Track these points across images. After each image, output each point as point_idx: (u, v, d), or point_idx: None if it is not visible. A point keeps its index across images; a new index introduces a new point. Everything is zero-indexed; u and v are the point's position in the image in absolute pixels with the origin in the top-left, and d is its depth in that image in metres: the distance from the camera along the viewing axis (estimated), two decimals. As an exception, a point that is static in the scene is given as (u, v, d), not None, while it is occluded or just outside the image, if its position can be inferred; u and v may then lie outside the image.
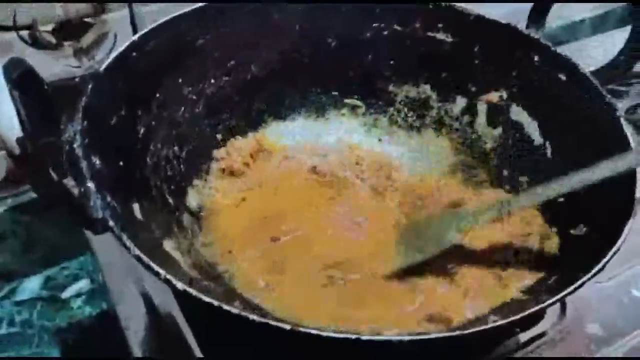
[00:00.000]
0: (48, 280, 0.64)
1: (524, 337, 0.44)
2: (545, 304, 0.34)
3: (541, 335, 0.45)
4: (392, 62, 0.56)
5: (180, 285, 0.30)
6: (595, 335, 0.46)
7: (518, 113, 0.51)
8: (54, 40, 0.57)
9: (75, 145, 0.36)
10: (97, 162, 0.37)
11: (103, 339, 0.57)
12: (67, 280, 0.64)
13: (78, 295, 0.63)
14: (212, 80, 0.52)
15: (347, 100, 0.58)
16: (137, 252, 0.31)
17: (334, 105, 0.58)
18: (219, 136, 0.54)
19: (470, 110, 0.54)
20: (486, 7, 0.53)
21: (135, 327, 0.44)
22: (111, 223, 0.33)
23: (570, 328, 0.46)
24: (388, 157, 0.57)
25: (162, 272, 0.31)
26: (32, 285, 0.63)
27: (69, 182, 0.34)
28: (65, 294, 0.63)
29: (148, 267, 0.31)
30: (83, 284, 0.64)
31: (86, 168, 0.35)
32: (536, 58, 0.49)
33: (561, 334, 0.45)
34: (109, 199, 0.35)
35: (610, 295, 0.49)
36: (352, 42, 0.55)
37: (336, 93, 0.57)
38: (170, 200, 0.46)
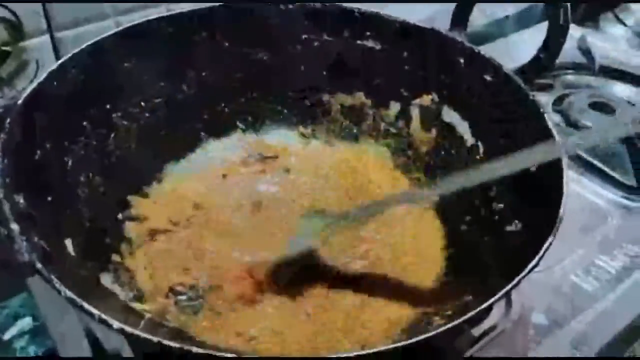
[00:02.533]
0: (-13, 322, 0.61)
1: (476, 331, 0.45)
2: (489, 302, 0.34)
3: (492, 328, 0.46)
4: (325, 73, 0.56)
5: (116, 325, 0.29)
6: (540, 325, 0.48)
7: (450, 115, 0.52)
8: (-30, 72, 0.54)
9: (-5, 187, 0.34)
10: (22, 201, 0.35)
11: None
12: (8, 320, 0.61)
13: (21, 335, 0.60)
14: (143, 104, 0.51)
15: (283, 113, 0.58)
16: (69, 293, 0.30)
17: (271, 118, 0.57)
18: (155, 159, 0.52)
19: (405, 114, 0.55)
20: (411, 9, 0.54)
21: (80, 367, 0.43)
22: (39, 265, 0.31)
23: (518, 319, 0.47)
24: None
25: (95, 312, 0.29)
26: (-30, 330, 0.59)
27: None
28: (6, 335, 0.60)
29: (81, 308, 0.30)
30: (25, 323, 0.61)
31: (9, 209, 0.33)
32: (462, 60, 0.50)
33: (510, 325, 0.46)
34: (36, 239, 0.34)
35: (551, 284, 0.51)
36: (283, 55, 0.55)
37: (271, 107, 0.57)
38: (106, 232, 0.45)
